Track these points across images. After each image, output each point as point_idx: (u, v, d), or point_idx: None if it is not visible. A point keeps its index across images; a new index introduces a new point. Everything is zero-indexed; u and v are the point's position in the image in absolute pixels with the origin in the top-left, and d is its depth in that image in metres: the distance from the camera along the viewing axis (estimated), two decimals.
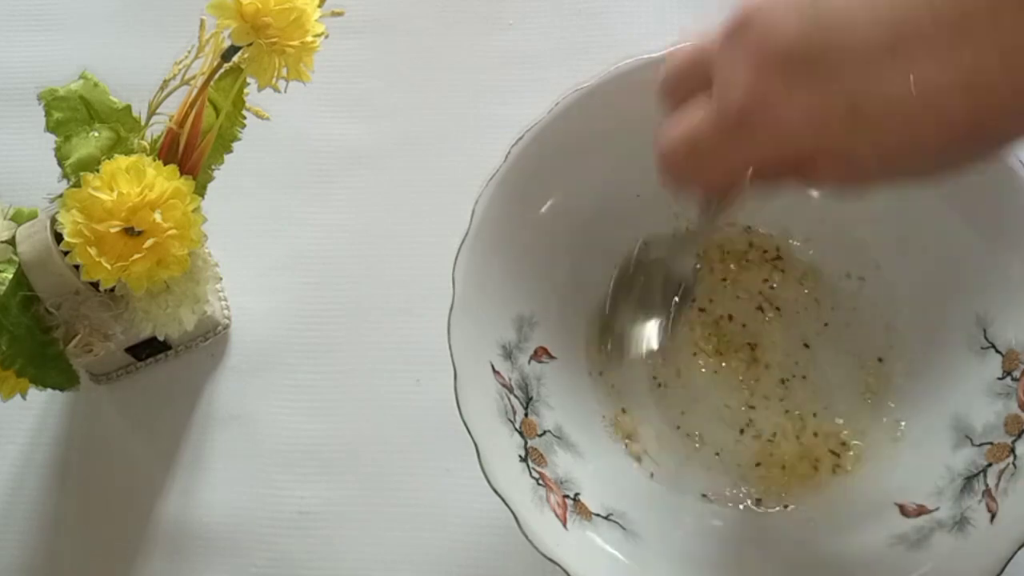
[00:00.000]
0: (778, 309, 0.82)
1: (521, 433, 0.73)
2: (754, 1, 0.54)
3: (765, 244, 0.84)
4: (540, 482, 0.71)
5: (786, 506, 0.76)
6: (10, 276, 0.75)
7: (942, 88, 0.46)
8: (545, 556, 0.66)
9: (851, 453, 0.77)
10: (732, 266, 0.84)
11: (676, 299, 0.75)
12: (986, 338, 0.74)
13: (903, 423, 0.77)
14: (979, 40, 0.45)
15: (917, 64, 0.47)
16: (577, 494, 0.73)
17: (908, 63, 0.47)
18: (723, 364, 0.82)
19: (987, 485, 0.69)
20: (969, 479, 0.70)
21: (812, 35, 0.50)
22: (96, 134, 0.77)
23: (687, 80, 0.60)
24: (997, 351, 0.73)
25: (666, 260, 0.76)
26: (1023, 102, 0.46)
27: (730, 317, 0.83)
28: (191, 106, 0.76)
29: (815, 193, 0.72)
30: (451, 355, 0.71)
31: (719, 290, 0.84)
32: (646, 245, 0.77)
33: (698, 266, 0.77)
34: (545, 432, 0.75)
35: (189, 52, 0.77)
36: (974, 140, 0.49)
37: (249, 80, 0.77)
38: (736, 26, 0.54)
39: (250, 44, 0.73)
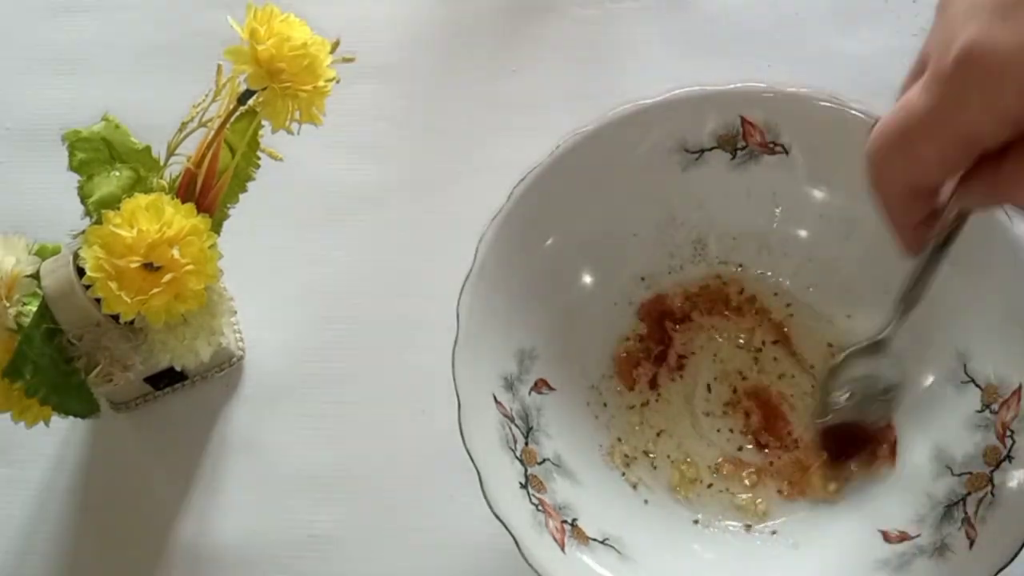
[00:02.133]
0: (764, 344, 0.84)
1: (522, 461, 0.74)
2: None
3: (750, 290, 0.85)
4: (539, 508, 0.72)
5: (774, 532, 0.77)
6: (34, 309, 0.76)
7: None
8: None
9: (834, 485, 0.78)
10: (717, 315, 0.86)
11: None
12: (966, 373, 0.75)
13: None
14: None
15: None
16: (575, 519, 0.74)
17: None
18: (713, 400, 0.83)
19: (966, 513, 0.70)
20: (949, 507, 0.71)
21: None
22: (117, 174, 0.78)
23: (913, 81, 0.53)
24: (977, 385, 0.74)
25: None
26: None
27: (718, 356, 0.85)
28: (208, 147, 0.78)
29: None
30: (455, 387, 0.72)
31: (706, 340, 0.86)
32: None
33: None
34: (544, 460, 0.76)
35: (206, 96, 0.78)
36: None
37: (264, 123, 0.78)
38: (943, 1, 0.51)
39: (265, 88, 0.74)
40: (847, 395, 0.78)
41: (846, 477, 0.78)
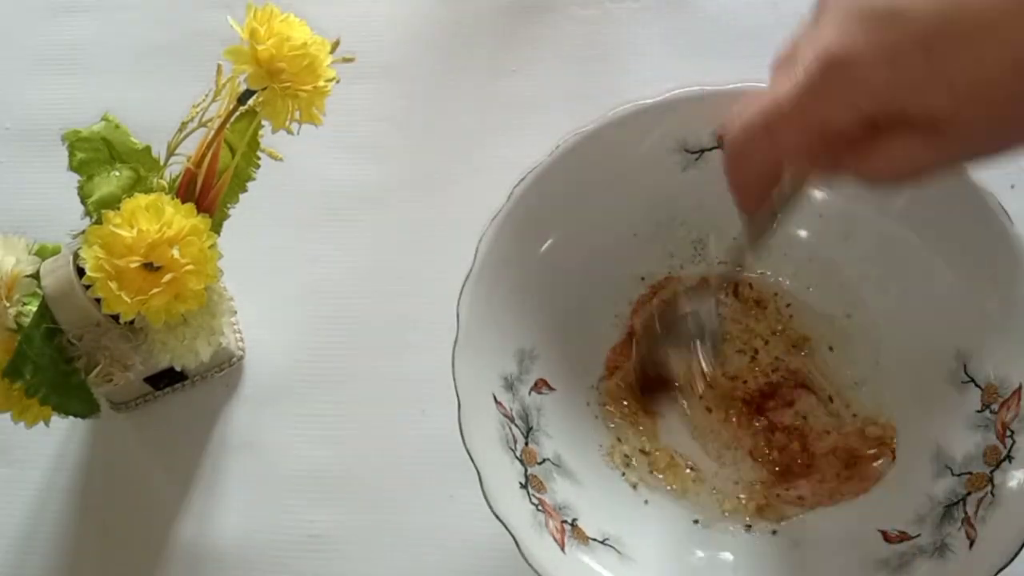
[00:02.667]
0: (766, 343, 0.84)
1: (522, 461, 0.74)
2: None
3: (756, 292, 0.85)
4: (539, 508, 0.72)
5: (774, 532, 0.77)
6: (34, 309, 0.76)
7: (1014, 17, 0.47)
8: None
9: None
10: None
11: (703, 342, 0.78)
12: (966, 372, 0.75)
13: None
14: None
15: (995, 22, 0.47)
16: (575, 519, 0.74)
17: (983, 14, 0.47)
18: (714, 400, 0.83)
19: (966, 513, 0.70)
20: (949, 507, 0.71)
21: None
22: (117, 173, 0.78)
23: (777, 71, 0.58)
24: (977, 385, 0.74)
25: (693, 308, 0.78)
26: None
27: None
28: (208, 147, 0.78)
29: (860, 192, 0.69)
30: (455, 387, 0.72)
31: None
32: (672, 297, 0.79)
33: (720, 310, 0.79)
34: (544, 460, 0.76)
35: (206, 96, 0.78)
36: None
37: (263, 123, 0.79)
38: (820, 3, 0.55)
39: (265, 88, 0.74)
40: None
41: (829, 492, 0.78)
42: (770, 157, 0.59)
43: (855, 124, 0.54)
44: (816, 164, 0.59)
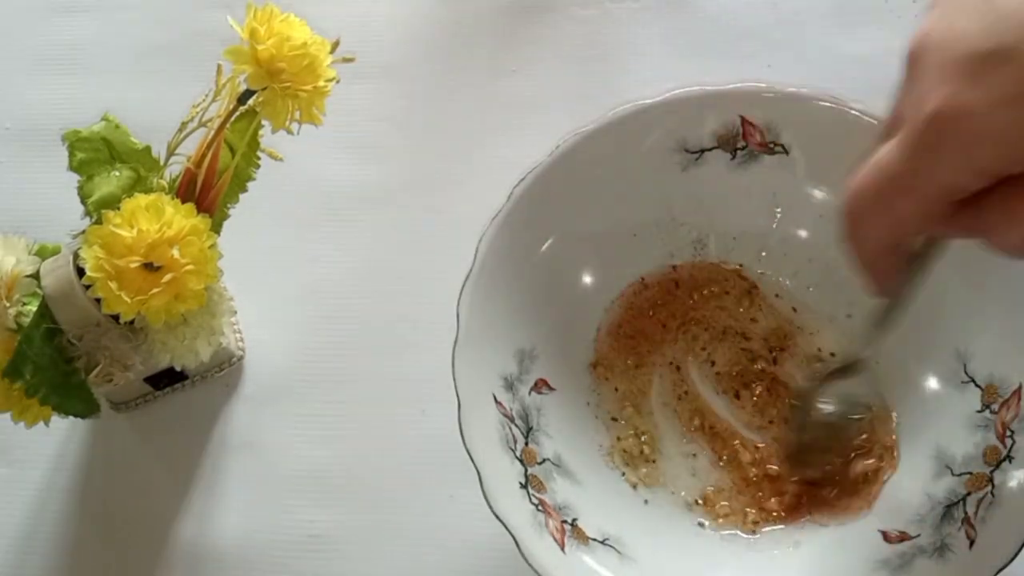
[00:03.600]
0: (768, 349, 0.84)
1: (522, 461, 0.74)
2: (922, 29, 0.51)
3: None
4: (539, 508, 0.72)
5: (775, 532, 0.77)
6: (34, 309, 0.76)
7: None
8: None
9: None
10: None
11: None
12: (966, 372, 0.75)
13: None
14: None
15: None
16: (575, 519, 0.74)
17: None
18: (715, 400, 0.83)
19: (966, 513, 0.70)
20: (949, 507, 0.71)
21: (994, 28, 0.47)
22: (117, 173, 0.78)
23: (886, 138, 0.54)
24: (977, 385, 0.74)
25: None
26: None
27: (712, 363, 0.85)
28: (208, 147, 0.78)
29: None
30: (455, 386, 0.72)
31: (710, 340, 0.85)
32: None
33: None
34: (544, 460, 0.76)
35: (206, 96, 0.78)
36: None
37: (263, 123, 0.79)
38: (912, 58, 0.52)
39: (265, 88, 0.74)
40: (825, 411, 0.78)
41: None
42: (891, 229, 0.55)
43: (978, 182, 0.50)
44: (943, 226, 0.54)
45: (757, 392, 0.82)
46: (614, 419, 0.82)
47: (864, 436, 0.78)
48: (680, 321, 0.85)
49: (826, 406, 0.78)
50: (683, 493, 0.79)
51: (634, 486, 0.79)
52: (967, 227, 0.53)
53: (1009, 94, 0.46)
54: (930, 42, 0.50)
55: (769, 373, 0.83)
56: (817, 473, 0.78)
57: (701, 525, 0.78)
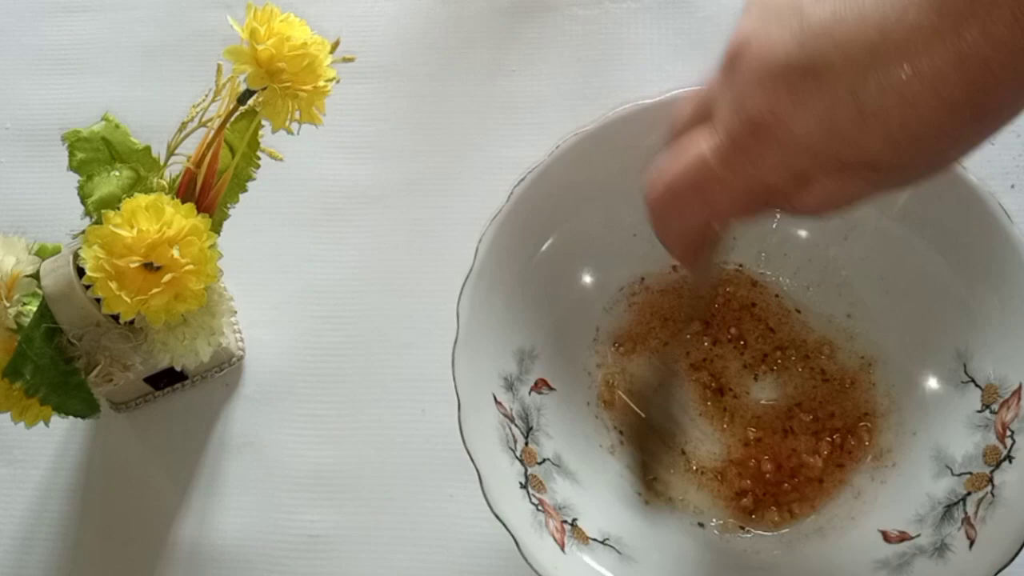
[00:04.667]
0: (767, 355, 0.84)
1: (521, 461, 0.74)
2: (740, 32, 0.54)
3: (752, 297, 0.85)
4: (539, 508, 0.72)
5: (774, 532, 0.77)
6: (34, 308, 0.76)
7: (936, 68, 0.46)
8: None
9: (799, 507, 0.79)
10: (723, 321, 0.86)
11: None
12: (966, 372, 0.75)
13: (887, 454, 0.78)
14: (961, 17, 0.45)
15: (909, 50, 0.46)
16: (575, 519, 0.74)
17: (901, 51, 0.46)
18: (713, 402, 0.83)
19: (966, 513, 0.70)
20: (949, 507, 0.71)
21: (807, 44, 0.50)
22: (117, 173, 0.78)
23: (691, 125, 0.58)
24: (977, 385, 0.74)
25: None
26: (1011, 74, 0.45)
27: (711, 362, 0.85)
28: (208, 147, 0.78)
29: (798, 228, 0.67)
30: (455, 386, 0.72)
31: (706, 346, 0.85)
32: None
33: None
34: (544, 460, 0.76)
35: (206, 96, 0.78)
36: (975, 116, 0.48)
37: (263, 123, 0.79)
38: (730, 58, 0.54)
39: (264, 88, 0.74)
40: None
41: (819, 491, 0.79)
42: (701, 215, 0.59)
43: (789, 181, 0.54)
44: (749, 213, 0.58)
45: (756, 392, 0.82)
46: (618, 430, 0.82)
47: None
48: (681, 321, 0.85)
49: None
50: (683, 494, 0.79)
51: (634, 486, 0.79)
52: (766, 206, 0.57)
53: (819, 109, 0.50)
54: (749, 49, 0.53)
55: (768, 375, 0.83)
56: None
57: (701, 525, 0.78)
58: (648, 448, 0.79)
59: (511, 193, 0.77)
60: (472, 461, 0.70)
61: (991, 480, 0.70)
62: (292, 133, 0.77)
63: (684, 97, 0.60)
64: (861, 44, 0.48)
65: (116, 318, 0.76)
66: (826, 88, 0.49)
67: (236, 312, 0.94)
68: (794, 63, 0.50)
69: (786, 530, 0.77)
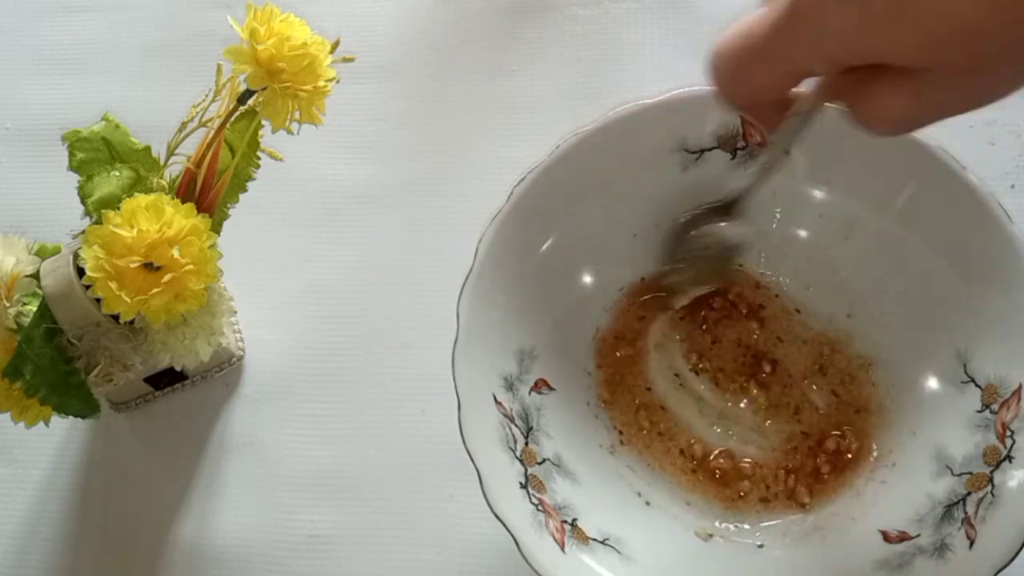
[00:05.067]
0: (772, 359, 0.84)
1: (521, 461, 0.74)
2: None
3: (752, 297, 0.85)
4: (539, 508, 0.72)
5: (774, 532, 0.77)
6: (34, 308, 0.76)
7: None
8: None
9: (808, 498, 0.78)
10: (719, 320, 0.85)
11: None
12: (966, 372, 0.75)
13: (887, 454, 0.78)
14: None
15: None
16: (575, 519, 0.74)
17: None
18: (714, 401, 0.83)
19: (966, 513, 0.70)
20: (949, 507, 0.71)
21: None
22: (117, 173, 0.78)
23: None
24: (976, 385, 0.74)
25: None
26: None
27: (712, 364, 0.85)
28: (208, 147, 0.78)
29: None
30: (455, 386, 0.72)
31: (707, 347, 0.85)
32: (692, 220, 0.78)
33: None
34: (544, 460, 0.76)
35: (206, 96, 0.78)
36: (1017, 18, 0.45)
37: (263, 123, 0.79)
38: None
39: (265, 88, 0.74)
40: (699, 245, 0.79)
41: (820, 490, 0.78)
42: (760, 86, 0.58)
43: (828, 70, 0.54)
44: (822, 93, 0.58)
45: (755, 392, 0.82)
46: (619, 430, 0.82)
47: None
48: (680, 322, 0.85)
49: (701, 241, 0.79)
50: (684, 493, 0.79)
51: (634, 486, 0.79)
52: (837, 96, 0.56)
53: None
54: None
55: (770, 374, 0.83)
56: (686, 300, 0.82)
57: (701, 526, 0.78)
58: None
59: (511, 193, 0.77)
60: (472, 461, 0.70)
61: (991, 480, 0.70)
62: (292, 133, 0.76)
63: None
64: None
65: (116, 318, 0.76)
66: None
67: (236, 312, 0.94)
68: None
69: (786, 530, 0.77)
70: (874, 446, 0.78)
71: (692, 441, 0.81)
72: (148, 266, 0.72)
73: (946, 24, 0.46)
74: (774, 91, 0.57)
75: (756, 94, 0.58)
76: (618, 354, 0.84)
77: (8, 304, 0.75)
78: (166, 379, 0.90)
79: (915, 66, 0.50)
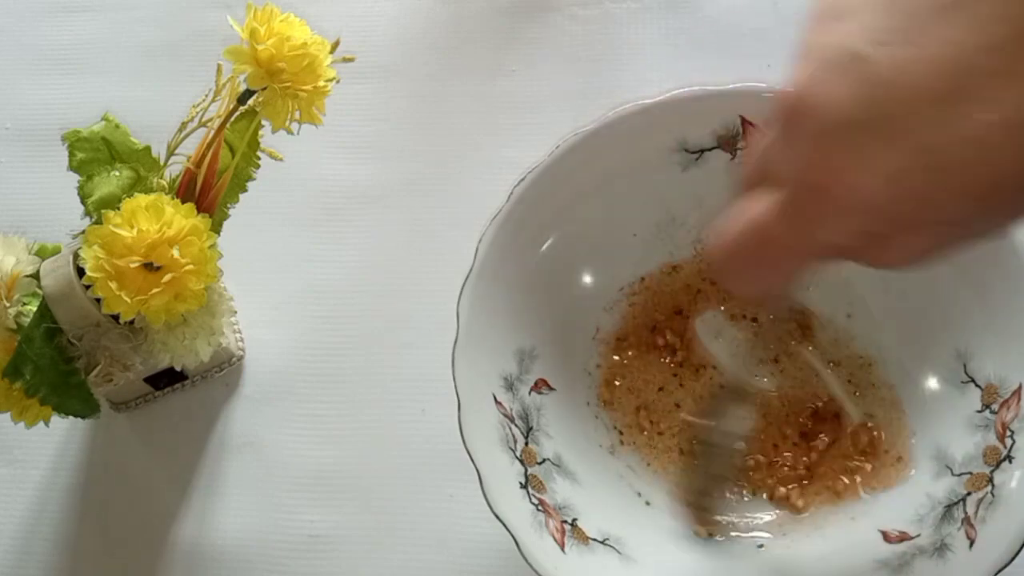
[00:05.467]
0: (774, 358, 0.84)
1: (521, 461, 0.74)
2: (796, 85, 0.50)
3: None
4: (539, 508, 0.72)
5: (775, 532, 0.77)
6: (34, 308, 0.76)
7: (1017, 114, 0.42)
8: None
9: (802, 501, 0.78)
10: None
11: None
12: (966, 372, 0.75)
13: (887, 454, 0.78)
14: None
15: (985, 98, 0.43)
16: (575, 519, 0.74)
17: (976, 100, 0.43)
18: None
19: (966, 513, 0.70)
20: (949, 507, 0.71)
21: (868, 96, 0.46)
22: (117, 173, 0.78)
23: (753, 185, 0.55)
24: (976, 385, 0.74)
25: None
26: None
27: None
28: (208, 147, 0.78)
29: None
30: (455, 386, 0.72)
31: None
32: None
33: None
34: (544, 460, 0.76)
35: (206, 96, 0.78)
36: None
37: (263, 123, 0.79)
38: (787, 116, 0.51)
39: (265, 88, 0.74)
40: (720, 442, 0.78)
41: (816, 493, 0.78)
42: (769, 278, 0.57)
43: (855, 241, 0.51)
44: (820, 263, 0.56)
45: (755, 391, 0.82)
46: (619, 431, 0.82)
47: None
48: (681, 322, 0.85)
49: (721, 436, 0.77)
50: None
51: (634, 486, 0.79)
52: (841, 258, 0.54)
53: (887, 167, 0.46)
54: (805, 105, 0.49)
55: (769, 374, 0.83)
56: (717, 507, 0.78)
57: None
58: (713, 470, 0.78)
59: (511, 193, 0.77)
60: (472, 461, 0.70)
61: (991, 480, 0.70)
62: (292, 133, 0.77)
63: (746, 154, 0.57)
64: (930, 95, 0.44)
65: (116, 318, 0.76)
66: (893, 145, 0.46)
67: (236, 312, 0.94)
68: (855, 119, 0.47)
69: (786, 530, 0.77)
70: (874, 446, 0.78)
71: (693, 441, 0.81)
72: (148, 266, 0.72)
73: (987, 179, 0.45)
74: (797, 274, 0.56)
75: (776, 281, 0.57)
76: (618, 355, 0.84)
77: (8, 304, 0.75)
78: (166, 379, 0.90)
79: (954, 221, 0.48)
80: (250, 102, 0.77)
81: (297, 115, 0.76)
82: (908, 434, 0.77)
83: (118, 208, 0.73)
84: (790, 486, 0.79)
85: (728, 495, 0.79)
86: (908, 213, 0.47)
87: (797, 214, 0.51)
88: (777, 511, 0.78)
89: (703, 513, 0.77)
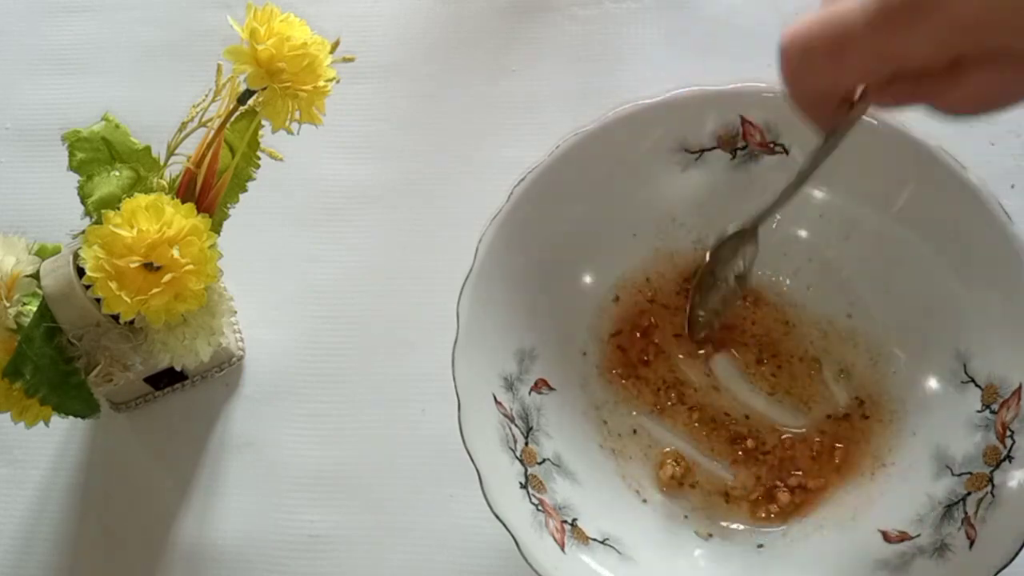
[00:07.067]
0: (773, 356, 0.84)
1: (521, 461, 0.74)
2: None
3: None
4: (539, 508, 0.72)
5: (774, 531, 0.77)
6: (34, 308, 0.76)
7: None
8: None
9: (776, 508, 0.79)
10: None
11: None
12: (966, 372, 0.75)
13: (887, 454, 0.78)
14: None
15: None
16: (575, 519, 0.74)
17: None
18: (713, 398, 0.83)
19: (966, 513, 0.70)
20: (949, 507, 0.71)
21: None
22: (117, 173, 0.78)
23: None
24: (977, 385, 0.74)
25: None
26: None
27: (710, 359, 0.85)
28: (208, 147, 0.78)
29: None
30: (455, 386, 0.72)
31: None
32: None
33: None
34: (544, 460, 0.76)
35: (206, 96, 0.78)
36: None
37: (263, 123, 0.79)
38: None
39: (265, 88, 0.74)
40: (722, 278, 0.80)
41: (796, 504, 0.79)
42: (837, 78, 0.55)
43: (939, 60, 0.50)
44: (890, 96, 0.55)
45: (754, 392, 0.82)
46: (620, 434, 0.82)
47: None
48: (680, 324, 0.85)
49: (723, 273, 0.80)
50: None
51: (633, 486, 0.79)
52: (910, 96, 0.54)
53: None
54: None
55: (770, 375, 0.83)
56: (709, 331, 0.82)
57: (700, 526, 0.78)
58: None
59: (511, 193, 0.77)
60: (472, 461, 0.70)
61: (991, 480, 0.70)
62: (292, 133, 0.76)
63: None
64: None
65: (116, 318, 0.76)
66: None
67: (236, 312, 0.94)
68: None
69: (786, 530, 0.77)
70: (874, 446, 0.78)
71: (689, 445, 0.81)
72: (148, 266, 0.72)
73: None
74: (862, 80, 0.55)
75: (830, 86, 0.56)
76: (618, 354, 0.84)
77: (8, 304, 0.76)
78: (166, 379, 0.90)
79: None
80: (250, 102, 0.77)
81: (297, 115, 0.76)
82: (908, 433, 0.77)
83: (118, 208, 0.73)
84: (791, 485, 0.79)
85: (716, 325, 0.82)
86: (997, 36, 0.47)
87: (887, 18, 0.49)
88: (777, 510, 0.78)
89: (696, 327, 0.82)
